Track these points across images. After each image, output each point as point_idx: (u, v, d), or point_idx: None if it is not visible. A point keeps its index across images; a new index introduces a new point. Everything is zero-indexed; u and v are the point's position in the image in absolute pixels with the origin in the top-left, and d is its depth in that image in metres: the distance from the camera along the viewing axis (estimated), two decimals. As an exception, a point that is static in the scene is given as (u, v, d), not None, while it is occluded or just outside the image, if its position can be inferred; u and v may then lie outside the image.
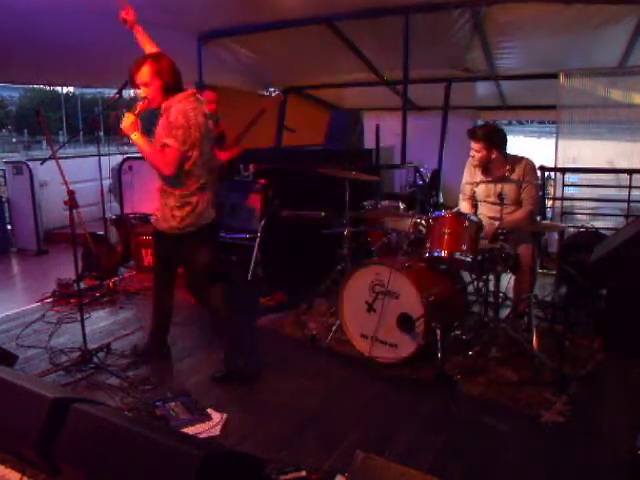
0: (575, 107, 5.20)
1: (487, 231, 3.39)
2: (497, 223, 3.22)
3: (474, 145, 3.51)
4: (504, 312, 3.58)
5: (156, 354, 3.25)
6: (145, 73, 2.76)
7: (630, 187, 4.66)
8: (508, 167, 3.52)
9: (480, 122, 8.21)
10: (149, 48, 3.12)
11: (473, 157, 3.55)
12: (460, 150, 4.02)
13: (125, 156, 6.41)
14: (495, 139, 3.49)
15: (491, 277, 3.36)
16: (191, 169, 2.81)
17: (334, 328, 3.45)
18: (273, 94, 7.73)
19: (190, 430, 2.46)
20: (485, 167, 3.55)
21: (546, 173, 5.26)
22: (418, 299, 3.01)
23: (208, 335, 3.68)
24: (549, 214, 5.46)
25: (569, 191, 5.24)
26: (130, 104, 2.86)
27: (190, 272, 3.10)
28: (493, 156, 3.49)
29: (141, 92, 2.81)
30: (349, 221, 3.80)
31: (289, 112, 7.56)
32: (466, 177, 3.79)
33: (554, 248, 4.90)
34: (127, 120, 2.73)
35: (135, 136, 2.74)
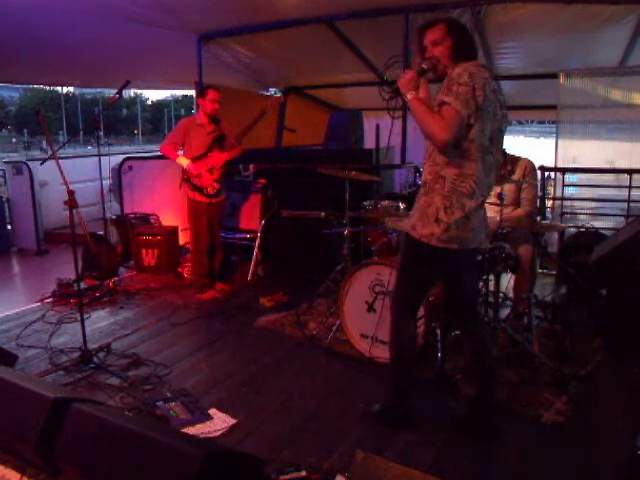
0: (575, 107, 5.20)
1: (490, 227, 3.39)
2: (497, 218, 3.22)
3: None
4: (504, 312, 3.59)
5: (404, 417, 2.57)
6: (437, 31, 2.33)
7: (630, 187, 4.66)
8: (508, 167, 3.53)
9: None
10: None
11: None
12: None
13: (125, 156, 6.41)
14: None
15: (491, 277, 3.36)
16: (469, 148, 2.21)
17: (334, 328, 3.45)
18: (274, 94, 7.74)
19: (190, 430, 2.46)
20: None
21: (546, 173, 5.26)
22: (418, 299, 3.00)
23: (208, 335, 3.69)
24: (549, 214, 5.45)
25: (569, 191, 5.23)
26: None
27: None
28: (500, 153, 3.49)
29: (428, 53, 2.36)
30: (349, 221, 3.80)
31: (289, 112, 7.56)
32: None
33: (554, 248, 4.90)
34: (406, 76, 2.30)
35: (411, 95, 2.27)
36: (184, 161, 4.30)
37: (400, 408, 2.55)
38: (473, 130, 2.19)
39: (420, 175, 6.90)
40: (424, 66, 2.32)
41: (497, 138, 2.31)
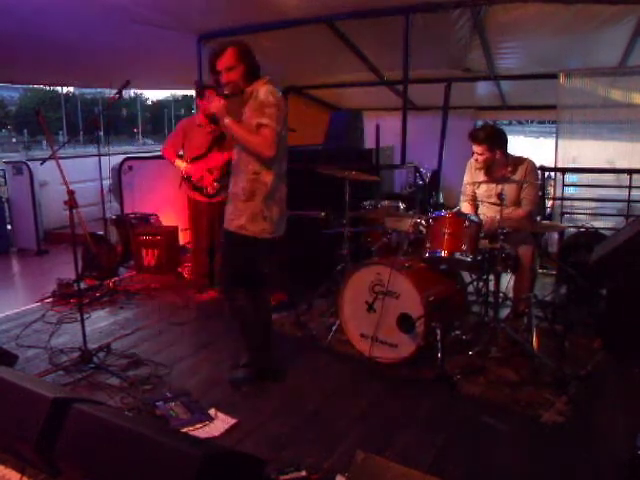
0: (575, 107, 5.19)
1: (488, 226, 3.39)
2: (498, 217, 3.22)
3: (477, 148, 3.50)
4: (504, 312, 3.58)
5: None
6: (229, 57, 2.68)
7: (630, 187, 4.65)
8: (510, 168, 3.53)
9: (480, 122, 8.21)
10: None
11: (477, 160, 3.54)
12: (460, 150, 4.02)
13: (125, 156, 6.41)
14: (497, 140, 3.48)
15: (491, 277, 3.36)
16: (278, 155, 2.69)
17: (334, 328, 3.45)
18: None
19: (190, 430, 2.46)
20: (488, 168, 3.55)
21: (546, 173, 5.26)
22: (418, 299, 3.01)
23: (208, 335, 3.69)
24: (549, 214, 5.45)
25: (569, 191, 5.23)
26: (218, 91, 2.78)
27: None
28: (497, 157, 3.49)
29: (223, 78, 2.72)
30: (349, 221, 3.80)
31: (289, 112, 7.54)
32: (467, 178, 3.79)
33: (554, 248, 4.90)
34: (218, 104, 2.68)
35: (228, 120, 2.67)
36: (181, 164, 4.32)
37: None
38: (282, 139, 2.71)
39: (420, 175, 6.91)
40: (227, 92, 2.73)
41: None
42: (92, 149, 18.06)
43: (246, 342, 2.99)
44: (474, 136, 3.49)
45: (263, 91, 2.64)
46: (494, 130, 3.59)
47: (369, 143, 6.91)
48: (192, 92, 6.43)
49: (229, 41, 2.75)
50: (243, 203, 2.73)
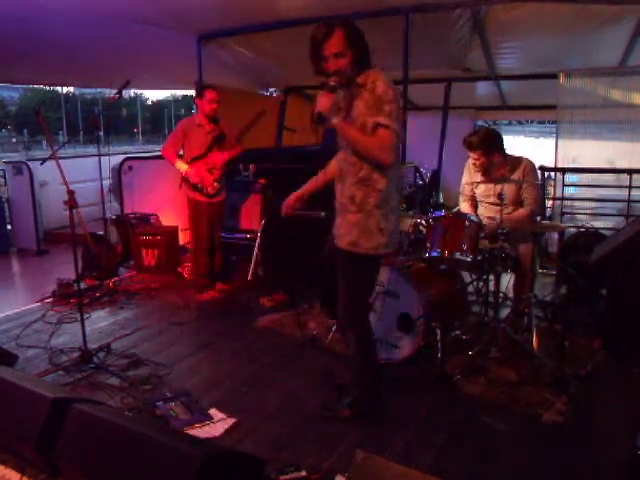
0: (575, 107, 5.19)
1: (489, 228, 3.39)
2: (498, 219, 3.22)
3: (473, 154, 3.50)
4: (504, 312, 3.59)
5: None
6: (339, 40, 2.21)
7: (630, 187, 4.65)
8: (508, 167, 3.53)
9: (480, 122, 8.21)
10: None
11: (474, 165, 3.54)
12: (460, 150, 4.01)
13: (125, 156, 6.41)
14: (492, 144, 3.46)
15: (491, 277, 3.36)
16: (396, 161, 2.29)
17: (334, 328, 3.45)
18: (274, 94, 7.74)
19: (190, 430, 2.46)
20: (486, 169, 3.55)
21: (546, 173, 5.26)
22: (418, 299, 3.01)
23: (208, 335, 3.69)
24: (549, 214, 5.46)
25: (569, 191, 5.23)
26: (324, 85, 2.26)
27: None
28: (494, 160, 3.49)
29: (330, 65, 2.26)
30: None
31: (289, 112, 7.55)
32: (465, 177, 3.79)
33: (554, 248, 4.90)
34: (326, 100, 2.18)
35: (337, 120, 2.22)
36: (182, 166, 4.32)
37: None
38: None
39: (420, 175, 6.90)
40: (334, 84, 2.23)
41: None
42: (92, 149, 18.06)
43: (360, 379, 2.60)
44: (468, 143, 3.48)
45: (381, 84, 2.20)
46: (488, 134, 3.53)
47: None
48: (192, 92, 6.44)
49: (336, 21, 2.27)
50: (354, 215, 2.36)
